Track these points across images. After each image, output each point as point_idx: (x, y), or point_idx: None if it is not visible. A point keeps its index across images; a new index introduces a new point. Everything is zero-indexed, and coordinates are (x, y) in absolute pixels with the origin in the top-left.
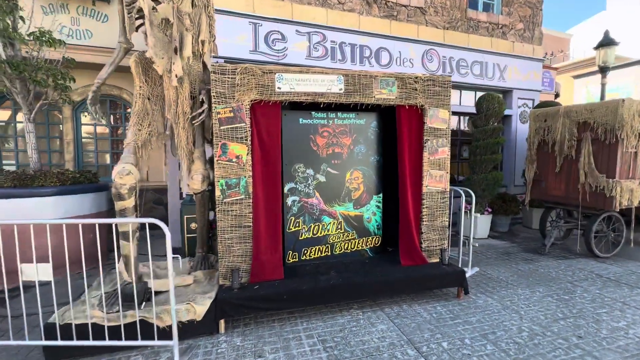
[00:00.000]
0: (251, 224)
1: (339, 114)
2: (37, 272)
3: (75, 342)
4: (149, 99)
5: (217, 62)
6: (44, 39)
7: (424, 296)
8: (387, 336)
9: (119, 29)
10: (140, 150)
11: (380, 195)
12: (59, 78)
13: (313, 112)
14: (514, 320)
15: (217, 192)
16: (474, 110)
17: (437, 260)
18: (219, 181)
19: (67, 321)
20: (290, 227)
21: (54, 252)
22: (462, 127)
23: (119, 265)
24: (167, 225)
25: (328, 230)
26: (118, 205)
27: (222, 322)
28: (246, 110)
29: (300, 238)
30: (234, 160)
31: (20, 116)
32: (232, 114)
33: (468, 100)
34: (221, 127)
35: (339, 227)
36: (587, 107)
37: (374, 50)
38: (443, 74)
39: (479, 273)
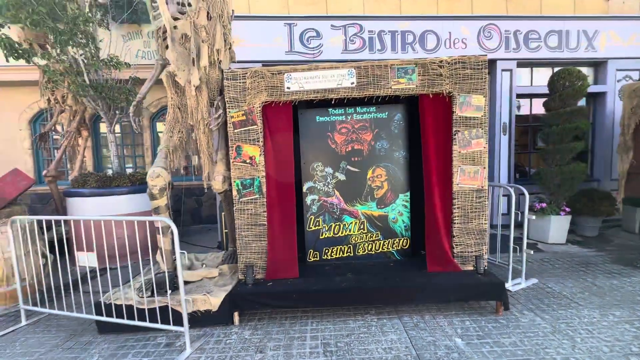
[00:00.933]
0: (266, 223)
1: (358, 108)
2: (87, 259)
3: (103, 318)
4: (179, 108)
5: (229, 68)
6: (111, 63)
7: (453, 308)
8: (395, 348)
9: (156, 47)
10: (172, 154)
11: (408, 194)
12: (128, 95)
13: (330, 109)
14: (562, 348)
15: (234, 192)
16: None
17: (473, 268)
18: (235, 181)
19: (111, 301)
20: (310, 226)
21: (126, 241)
22: (537, 112)
23: (157, 256)
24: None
25: (350, 230)
26: (152, 204)
27: (236, 315)
28: (257, 113)
29: (320, 237)
30: (248, 161)
31: (117, 128)
32: (244, 117)
33: (542, 79)
34: (235, 131)
35: (362, 227)
36: None
37: (418, 35)
38: (506, 50)
39: (537, 286)
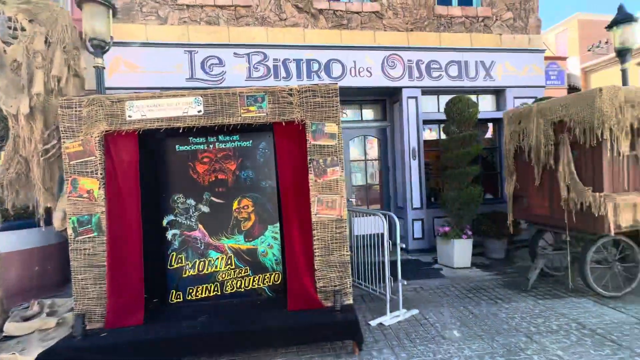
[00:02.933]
0: (105, 264)
1: (220, 137)
2: None
3: None
4: (20, 137)
5: (61, 98)
6: None
7: (311, 349)
8: None
9: None
10: (7, 189)
11: (277, 225)
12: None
13: (191, 138)
14: None
15: (69, 230)
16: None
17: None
18: (70, 218)
19: None
20: (172, 263)
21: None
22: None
23: None
24: None
25: (216, 267)
26: None
27: None
28: (95, 143)
29: (184, 275)
30: (85, 195)
31: None
32: (81, 148)
33: None
34: (70, 162)
35: (229, 262)
36: (562, 102)
37: (324, 63)
38: (414, 79)
39: (415, 317)
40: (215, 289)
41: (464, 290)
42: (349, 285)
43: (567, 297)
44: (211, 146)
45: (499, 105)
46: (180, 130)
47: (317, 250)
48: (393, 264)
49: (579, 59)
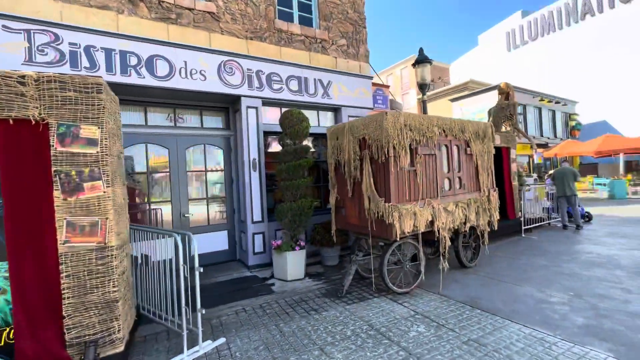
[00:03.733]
0: None
1: None
2: None
3: None
4: None
5: None
6: None
7: None
8: None
9: None
10: None
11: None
12: None
13: None
14: None
15: None
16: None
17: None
18: None
19: None
20: None
21: None
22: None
23: None
24: None
25: None
26: None
27: None
28: None
29: None
30: None
31: None
32: None
33: None
34: None
35: None
36: (363, 122)
37: (145, 59)
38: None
39: (218, 349)
40: None
41: (286, 305)
42: (117, 330)
43: (371, 299)
44: None
45: (337, 122)
46: None
47: (66, 291)
48: (208, 288)
49: (416, 91)
